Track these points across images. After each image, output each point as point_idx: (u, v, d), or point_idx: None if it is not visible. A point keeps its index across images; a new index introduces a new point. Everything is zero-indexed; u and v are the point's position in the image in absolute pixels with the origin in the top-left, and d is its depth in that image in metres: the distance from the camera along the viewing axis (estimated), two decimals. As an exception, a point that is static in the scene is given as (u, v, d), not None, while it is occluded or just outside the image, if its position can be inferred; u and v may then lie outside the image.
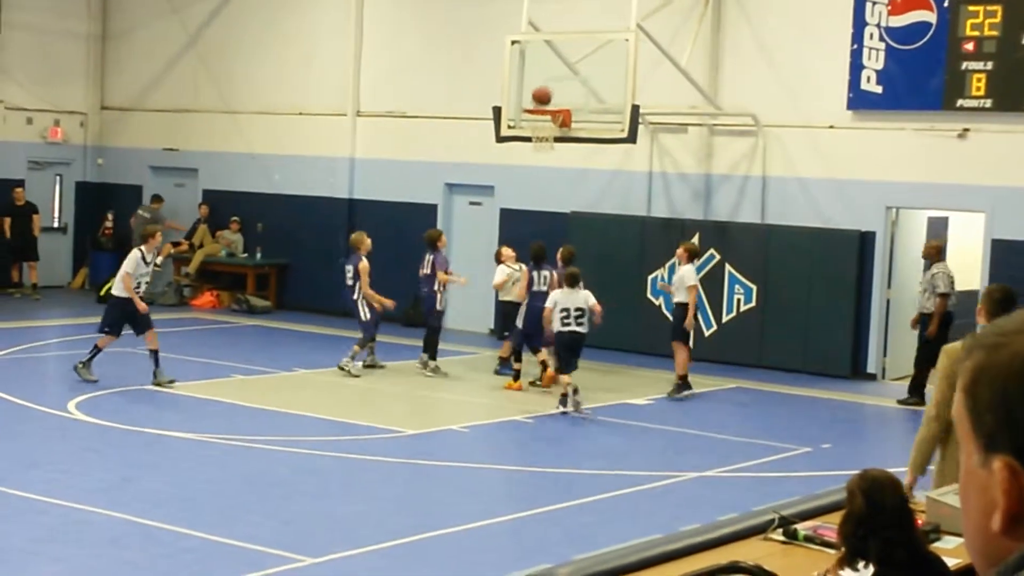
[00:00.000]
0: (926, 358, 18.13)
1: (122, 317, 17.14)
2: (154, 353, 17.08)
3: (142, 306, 17.00)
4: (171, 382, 17.03)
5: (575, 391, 16.45)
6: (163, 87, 27.30)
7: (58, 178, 27.96)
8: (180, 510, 11.36)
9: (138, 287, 17.24)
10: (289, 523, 11.26)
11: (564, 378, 16.63)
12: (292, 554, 10.24)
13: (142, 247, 17.48)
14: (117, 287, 17.39)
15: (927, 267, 18.35)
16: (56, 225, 27.90)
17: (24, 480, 12.14)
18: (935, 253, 18.27)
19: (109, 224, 27.56)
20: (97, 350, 17.19)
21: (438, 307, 18.98)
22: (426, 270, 19.05)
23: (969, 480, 1.64)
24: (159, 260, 18.04)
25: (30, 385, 17.08)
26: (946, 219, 21.09)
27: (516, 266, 19.18)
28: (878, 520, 5.55)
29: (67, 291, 27.28)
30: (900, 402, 18.24)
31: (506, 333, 19.02)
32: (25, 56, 26.80)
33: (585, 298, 16.76)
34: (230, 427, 14.93)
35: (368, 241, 19.12)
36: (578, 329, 16.67)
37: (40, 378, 18.34)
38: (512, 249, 19.49)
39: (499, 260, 19.38)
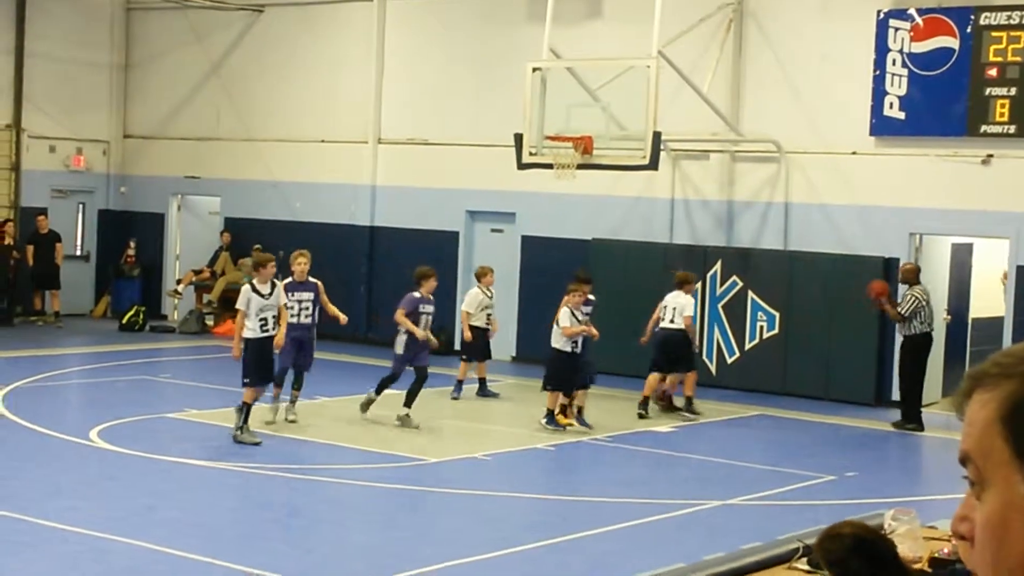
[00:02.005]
0: (914, 381, 18.16)
1: (257, 361, 15.45)
2: (246, 407, 15.54)
3: (236, 353, 15.49)
4: (256, 443, 15.42)
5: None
6: (185, 115, 27.41)
7: (81, 206, 28.06)
8: (202, 539, 11.33)
9: (264, 324, 15.46)
10: (311, 552, 11.22)
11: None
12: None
13: (253, 280, 15.85)
14: (240, 329, 15.65)
15: (907, 290, 18.42)
16: (79, 253, 27.98)
17: (46, 508, 12.12)
18: (912, 276, 18.31)
19: (131, 252, 27.65)
20: (245, 406, 15.47)
21: (397, 349, 17.01)
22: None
23: (1010, 513, 1.61)
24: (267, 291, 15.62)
25: (52, 413, 17.09)
26: (971, 245, 20.99)
27: (490, 292, 19.36)
28: (887, 574, 5.34)
29: (89, 319, 27.34)
30: (895, 424, 18.27)
31: (467, 357, 19.22)
32: (48, 85, 26.94)
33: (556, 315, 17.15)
34: (252, 455, 14.90)
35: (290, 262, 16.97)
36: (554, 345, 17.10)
37: (62, 406, 18.36)
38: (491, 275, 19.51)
39: (479, 280, 19.35)
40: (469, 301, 19.18)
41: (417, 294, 17.01)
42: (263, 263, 15.81)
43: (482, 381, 19.46)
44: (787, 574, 7.25)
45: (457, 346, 23.86)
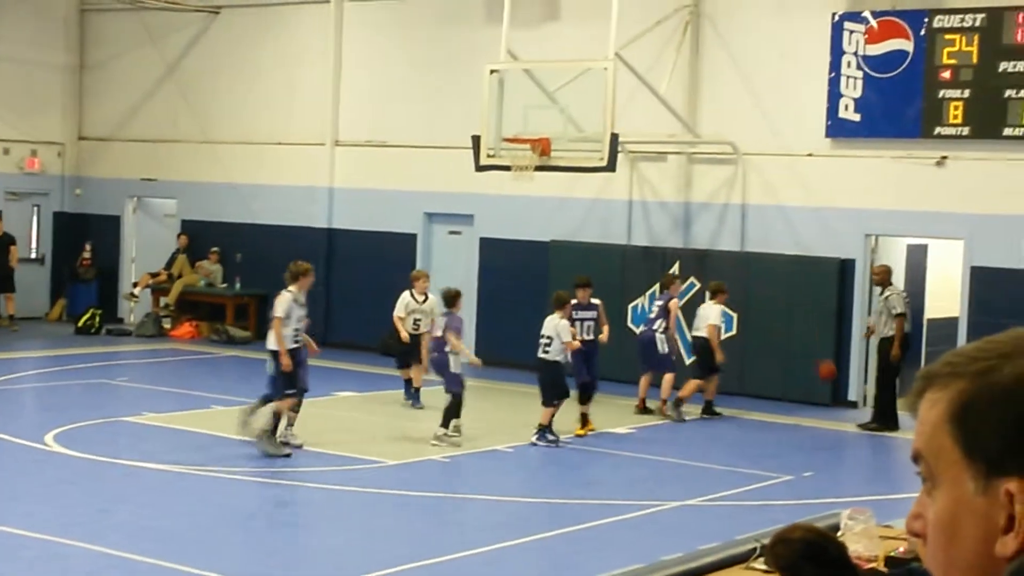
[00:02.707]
0: (889, 382, 18.23)
1: (294, 371, 14.91)
2: (275, 417, 14.98)
3: (286, 361, 14.80)
4: (287, 455, 14.85)
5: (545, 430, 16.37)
6: (141, 117, 27.26)
7: (36, 209, 27.86)
8: (159, 543, 11.27)
9: (296, 335, 15.09)
10: (272, 555, 11.19)
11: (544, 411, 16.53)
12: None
13: (292, 287, 15.24)
14: (270, 338, 15.03)
15: (880, 292, 18.50)
16: (33, 256, 27.78)
17: (1, 513, 12.03)
18: (886, 277, 18.43)
19: (87, 255, 27.47)
20: (277, 417, 15.01)
21: (452, 370, 16.55)
22: (437, 332, 16.90)
23: (960, 511, 1.63)
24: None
25: (6, 417, 16.95)
26: (925, 246, 21.15)
27: (421, 297, 18.33)
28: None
29: (44, 322, 27.15)
30: (861, 426, 18.36)
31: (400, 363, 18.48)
32: (2, 86, 26.73)
33: (555, 326, 16.47)
34: (209, 458, 14.84)
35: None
36: (543, 356, 16.53)
37: (17, 410, 18.22)
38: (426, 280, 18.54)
39: (413, 284, 18.44)
40: (399, 306, 18.30)
41: (458, 313, 16.83)
42: (304, 272, 15.36)
43: (408, 383, 18.63)
44: (744, 574, 7.29)
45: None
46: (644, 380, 18.79)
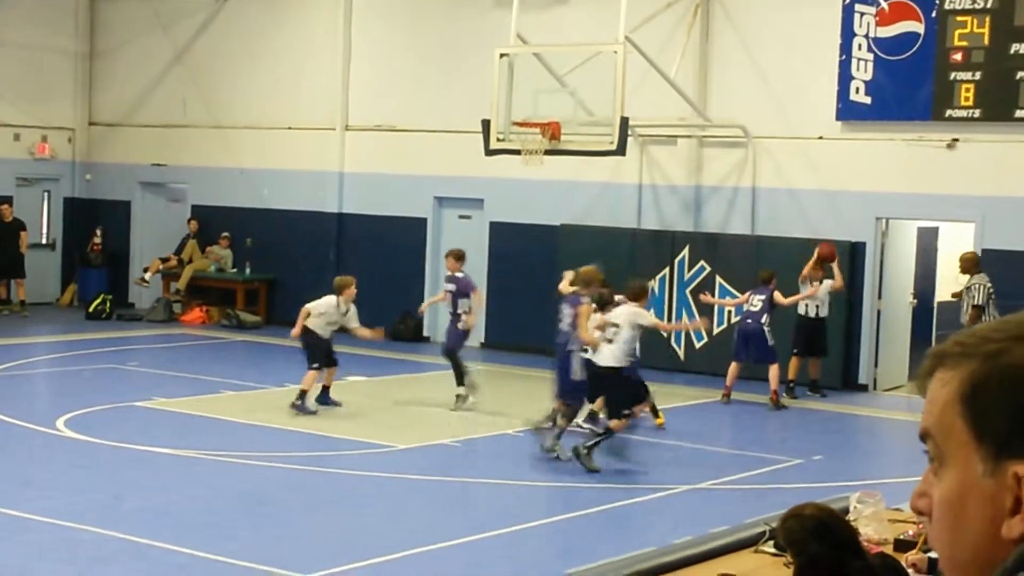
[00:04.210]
0: None
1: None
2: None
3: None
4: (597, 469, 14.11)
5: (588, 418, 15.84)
6: (151, 103, 27.28)
7: (46, 194, 27.89)
8: (170, 527, 11.30)
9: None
10: (280, 539, 11.21)
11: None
12: (283, 570, 10.20)
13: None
14: (608, 354, 14.34)
15: (968, 279, 18.29)
16: (44, 241, 27.83)
17: (14, 498, 12.07)
18: (972, 265, 18.11)
19: (98, 240, 27.50)
20: (560, 424, 14.64)
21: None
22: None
23: (967, 492, 1.63)
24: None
25: (18, 403, 17.00)
26: (936, 229, 21.11)
27: (345, 308, 16.98)
28: (844, 559, 5.33)
29: (55, 308, 27.20)
30: None
31: (316, 365, 16.78)
32: (13, 72, 26.75)
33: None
34: (220, 443, 14.87)
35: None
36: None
37: (29, 395, 18.27)
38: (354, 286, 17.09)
39: (340, 292, 17.04)
40: (321, 304, 16.94)
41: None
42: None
43: (325, 388, 17.27)
44: (754, 557, 7.31)
45: (426, 332, 23.85)
46: (735, 368, 18.55)
